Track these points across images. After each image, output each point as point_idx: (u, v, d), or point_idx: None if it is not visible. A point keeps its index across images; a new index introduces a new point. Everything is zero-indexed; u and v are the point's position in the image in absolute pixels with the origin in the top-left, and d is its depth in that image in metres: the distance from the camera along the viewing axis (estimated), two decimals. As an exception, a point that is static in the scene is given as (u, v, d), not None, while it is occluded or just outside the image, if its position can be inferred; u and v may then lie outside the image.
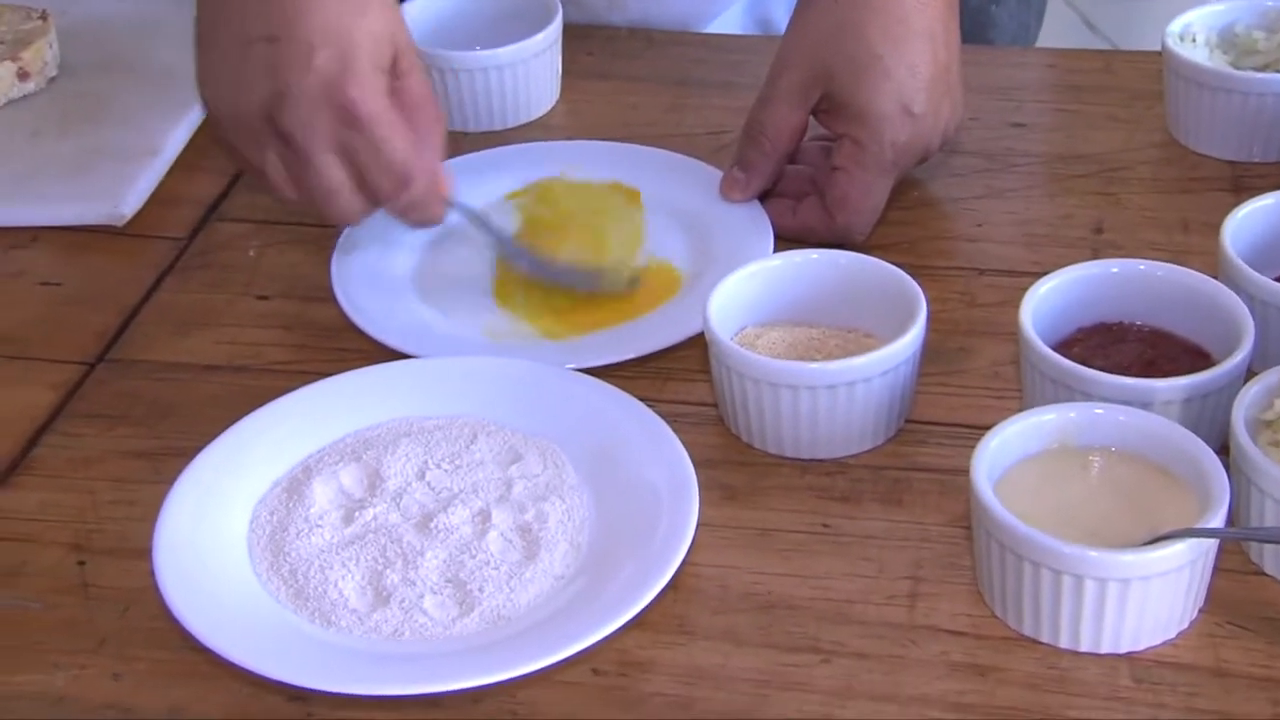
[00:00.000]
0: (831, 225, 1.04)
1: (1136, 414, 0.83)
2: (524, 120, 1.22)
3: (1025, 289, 0.94)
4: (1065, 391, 0.87)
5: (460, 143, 1.17)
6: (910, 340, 0.90)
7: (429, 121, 0.96)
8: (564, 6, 1.22)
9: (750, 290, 0.95)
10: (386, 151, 0.93)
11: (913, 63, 1.01)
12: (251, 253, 1.10)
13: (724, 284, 0.94)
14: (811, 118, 1.06)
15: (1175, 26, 1.14)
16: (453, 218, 1.02)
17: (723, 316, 0.92)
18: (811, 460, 0.91)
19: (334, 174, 0.94)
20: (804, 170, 1.08)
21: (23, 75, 1.23)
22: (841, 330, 0.96)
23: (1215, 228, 1.02)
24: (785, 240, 1.04)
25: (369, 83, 0.93)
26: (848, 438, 0.91)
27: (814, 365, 0.89)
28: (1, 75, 1.22)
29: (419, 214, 0.98)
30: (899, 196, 1.08)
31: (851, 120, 1.03)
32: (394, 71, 0.95)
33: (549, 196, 1.09)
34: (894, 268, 0.94)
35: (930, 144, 1.05)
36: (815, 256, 0.96)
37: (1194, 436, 0.81)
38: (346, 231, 1.07)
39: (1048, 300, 0.92)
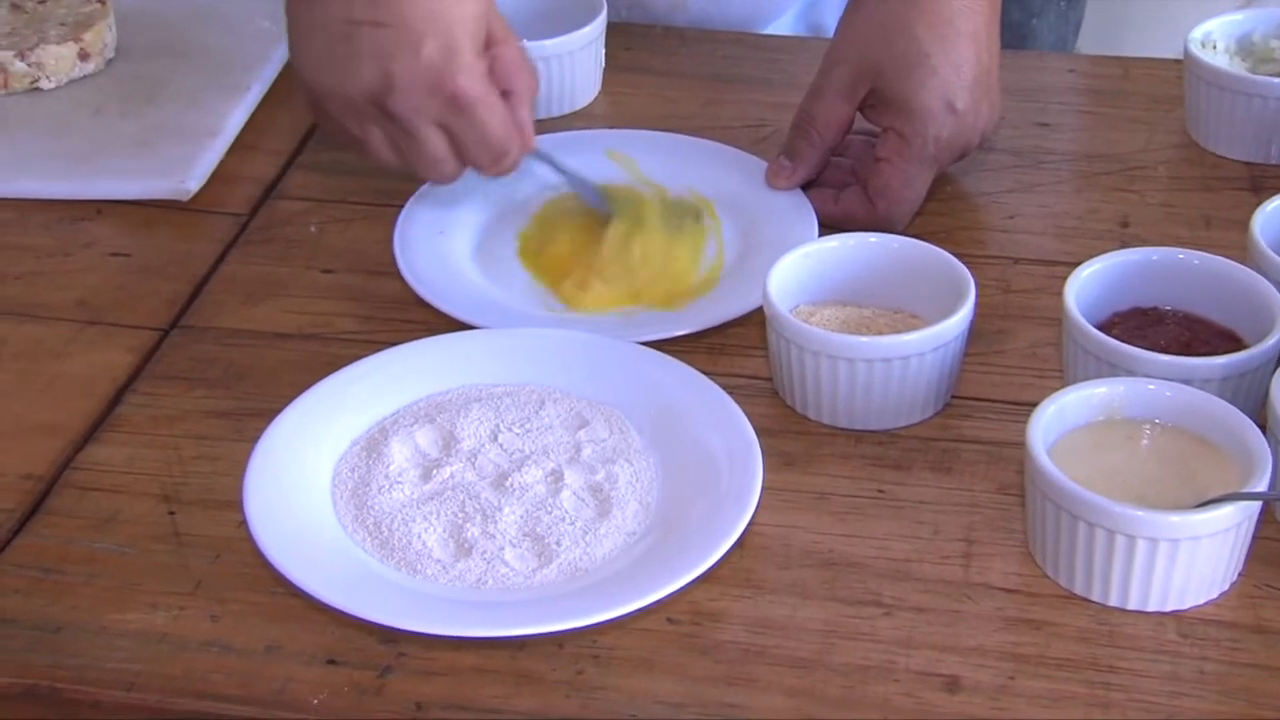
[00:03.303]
0: (873, 214, 1.09)
1: (1182, 389, 0.88)
2: (568, 110, 1.26)
3: (1058, 277, 0.99)
4: (1109, 369, 0.92)
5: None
6: (960, 319, 0.95)
7: (523, 83, 1.02)
8: (624, 7, 1.26)
9: (805, 269, 1.00)
10: (488, 132, 0.99)
11: (958, 62, 1.06)
12: (313, 229, 1.14)
13: (781, 263, 0.99)
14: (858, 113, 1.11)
15: (1197, 34, 1.19)
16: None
17: (779, 293, 0.97)
18: (864, 431, 0.96)
19: (438, 146, 1.00)
20: (846, 162, 1.13)
21: (83, 56, 1.27)
22: (889, 310, 1.00)
23: (1236, 224, 1.08)
24: (827, 228, 1.09)
25: (473, 70, 0.98)
26: (899, 410, 0.95)
27: (871, 339, 0.94)
28: (64, 55, 1.26)
29: (506, 170, 1.04)
30: (934, 190, 1.13)
31: (897, 114, 1.08)
32: (488, 42, 1.00)
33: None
34: (944, 252, 0.99)
35: (970, 141, 1.10)
36: (871, 240, 1.01)
37: (1236, 410, 0.86)
38: (406, 209, 1.12)
39: (1087, 285, 0.97)
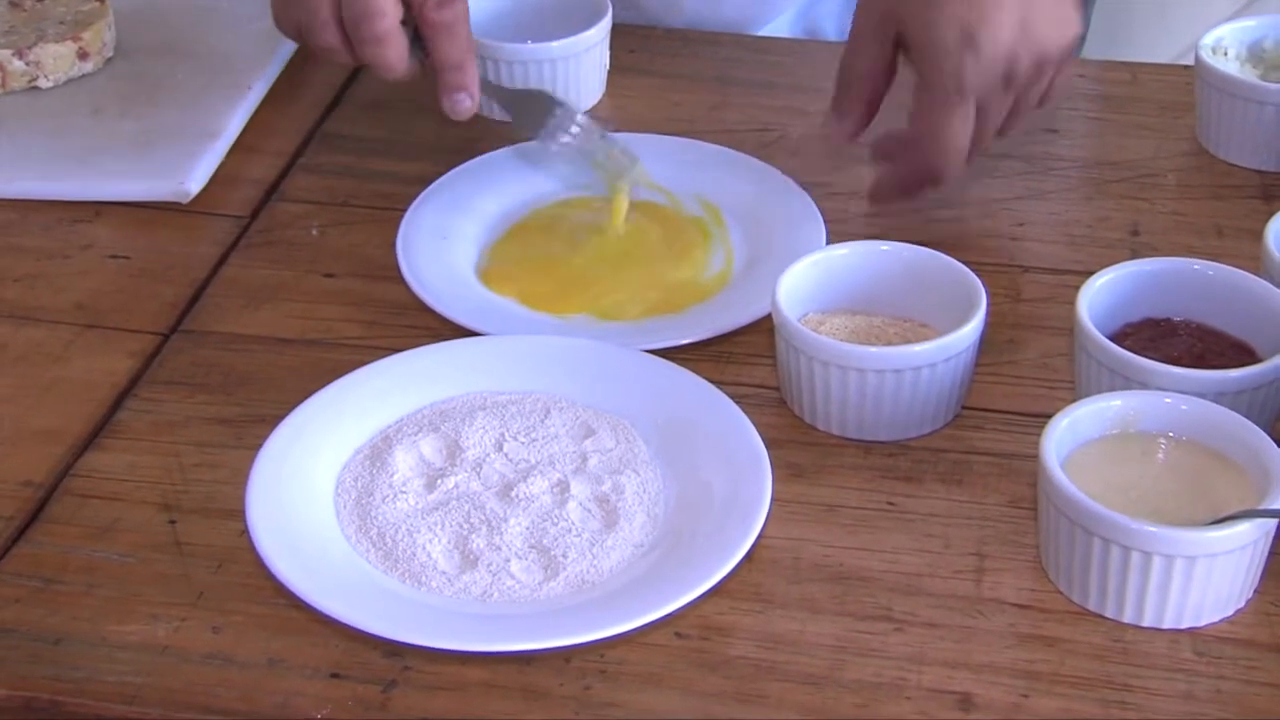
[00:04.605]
0: (918, 167, 1.05)
1: (1198, 403, 0.87)
2: (572, 112, 1.25)
3: (1068, 286, 0.98)
4: (1122, 381, 0.90)
5: (513, 133, 1.21)
6: (972, 329, 0.94)
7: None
8: (620, 8, 1.25)
9: (814, 277, 0.99)
10: None
11: None
12: (315, 232, 1.13)
13: (790, 270, 0.97)
14: None
15: (1208, 40, 1.18)
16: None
17: (788, 301, 0.96)
18: (874, 442, 0.95)
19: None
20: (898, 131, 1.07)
21: (82, 55, 1.26)
22: (899, 319, 0.99)
23: (1248, 233, 1.07)
24: (887, 204, 1.07)
25: None
26: (909, 421, 0.94)
27: (882, 349, 0.93)
28: (63, 55, 1.25)
29: (455, 78, 1.06)
30: (942, 197, 1.11)
31: (917, 55, 1.03)
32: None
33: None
34: (955, 261, 0.98)
35: (1016, 68, 1.01)
36: (882, 248, 1.00)
37: (1252, 425, 0.85)
38: (409, 213, 1.10)
39: (1099, 295, 0.96)
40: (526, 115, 1.12)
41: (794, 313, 0.96)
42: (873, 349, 0.93)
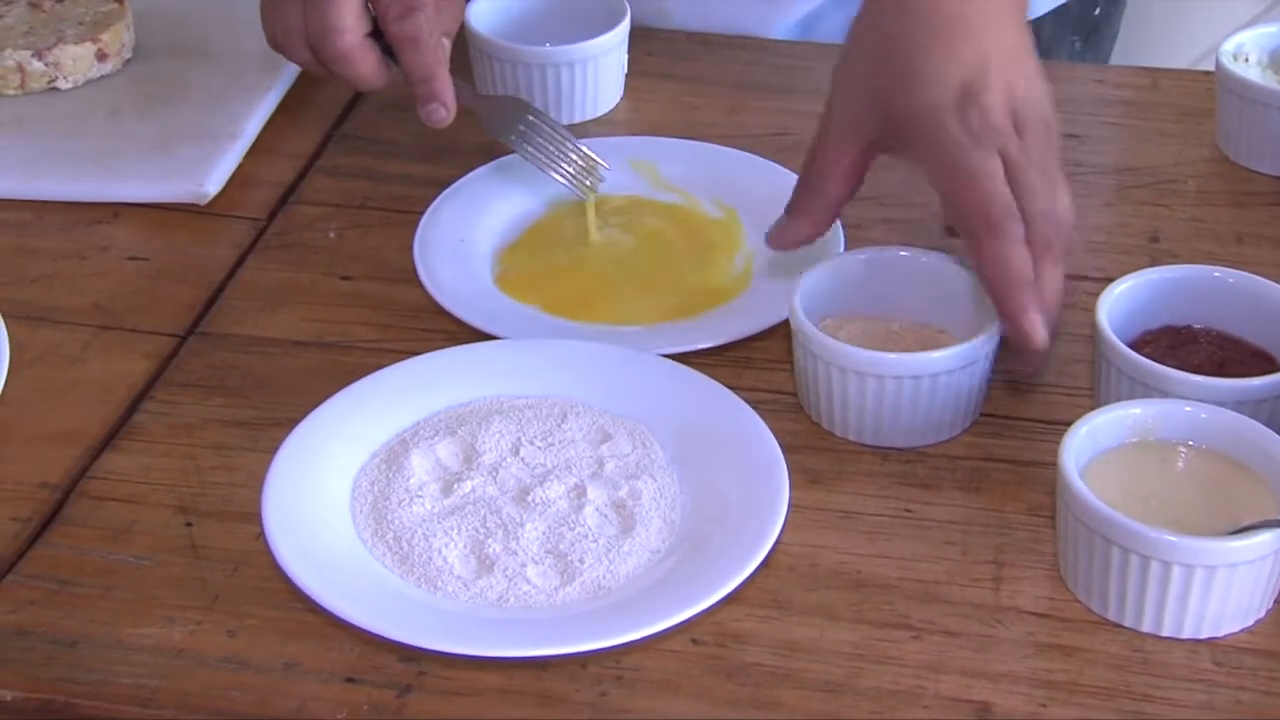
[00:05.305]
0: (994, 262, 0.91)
1: (1218, 411, 0.86)
2: (590, 116, 1.25)
3: (1087, 292, 0.98)
4: (1142, 390, 0.90)
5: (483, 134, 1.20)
6: (991, 335, 0.93)
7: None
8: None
9: (832, 282, 0.98)
10: None
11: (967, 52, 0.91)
12: (332, 234, 1.12)
13: (808, 275, 0.97)
14: None
15: (1229, 46, 1.17)
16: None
17: (806, 306, 0.95)
18: (891, 448, 0.94)
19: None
20: None
21: (101, 56, 1.26)
22: (916, 325, 0.99)
23: (1269, 240, 1.07)
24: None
25: None
26: (927, 427, 0.94)
27: (900, 356, 0.92)
28: (81, 55, 1.25)
29: (425, 89, 1.07)
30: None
31: (916, 129, 0.92)
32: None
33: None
34: (973, 266, 0.97)
35: (1021, 119, 0.91)
36: (901, 253, 0.99)
37: (1273, 434, 0.85)
38: (427, 216, 1.10)
39: (1119, 302, 0.95)
40: (499, 118, 1.12)
41: (811, 318, 0.95)
42: (890, 355, 0.93)
